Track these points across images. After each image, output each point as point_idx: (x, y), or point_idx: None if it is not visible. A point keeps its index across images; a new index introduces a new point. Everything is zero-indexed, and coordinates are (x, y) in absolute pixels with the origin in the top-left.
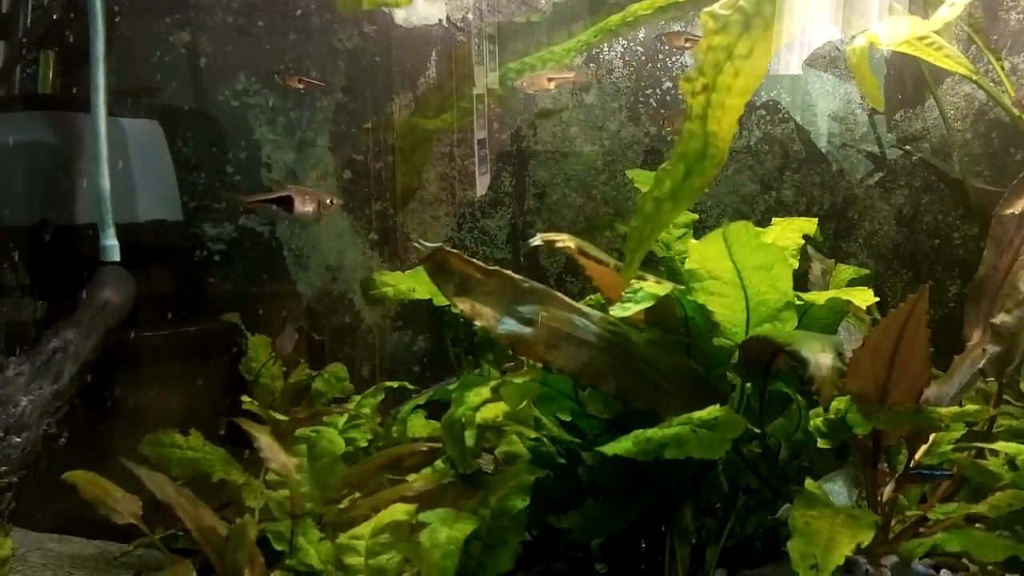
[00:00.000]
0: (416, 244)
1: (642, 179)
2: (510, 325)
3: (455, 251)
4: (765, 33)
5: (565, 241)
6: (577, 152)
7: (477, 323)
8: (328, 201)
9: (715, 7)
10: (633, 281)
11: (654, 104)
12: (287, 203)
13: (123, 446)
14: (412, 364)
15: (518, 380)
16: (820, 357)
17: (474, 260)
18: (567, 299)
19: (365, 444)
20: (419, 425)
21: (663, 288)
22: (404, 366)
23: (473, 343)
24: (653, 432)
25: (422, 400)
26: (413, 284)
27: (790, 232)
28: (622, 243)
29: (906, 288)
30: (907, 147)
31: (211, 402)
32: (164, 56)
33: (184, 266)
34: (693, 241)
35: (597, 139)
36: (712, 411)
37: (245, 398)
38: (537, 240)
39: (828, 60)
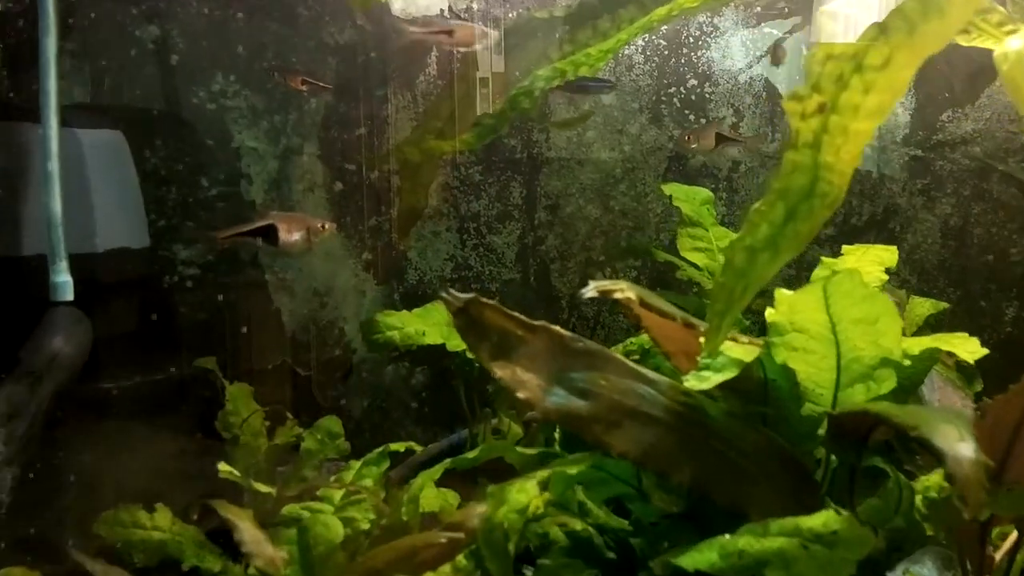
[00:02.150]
0: (445, 296)
1: (681, 195)
2: (561, 397)
3: (492, 303)
4: (909, 38)
5: (624, 291)
6: (594, 159)
7: (519, 395)
8: (319, 226)
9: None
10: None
11: (678, 104)
12: (270, 234)
13: (75, 523)
14: (410, 400)
15: (572, 470)
16: (960, 448)
17: (515, 314)
18: (628, 362)
19: (367, 526)
20: (430, 497)
21: (749, 351)
22: (401, 403)
23: (490, 392)
24: (746, 543)
25: (437, 474)
26: (422, 326)
27: (868, 263)
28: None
29: (955, 309)
30: (988, 160)
31: (182, 468)
32: (129, 53)
33: (151, 301)
34: (783, 291)
35: (616, 144)
36: (829, 520)
37: (222, 465)
38: (591, 291)
39: None
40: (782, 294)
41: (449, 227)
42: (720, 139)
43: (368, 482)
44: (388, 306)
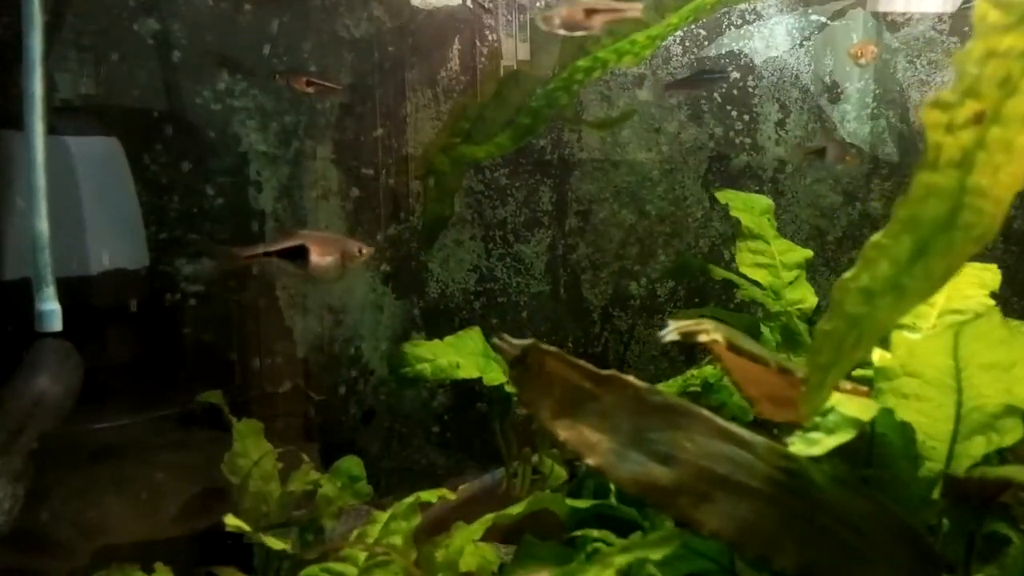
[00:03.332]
0: (498, 342)
1: (739, 204)
2: (638, 464)
3: (554, 350)
4: None
5: (710, 333)
6: (629, 160)
7: (589, 461)
8: (356, 250)
9: None
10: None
11: (719, 100)
12: (300, 255)
13: None
14: (431, 424)
15: (655, 555)
16: None
17: (581, 363)
18: (716, 418)
19: None
20: (469, 555)
21: (864, 406)
22: (422, 427)
23: (531, 429)
24: None
25: (478, 533)
26: (456, 357)
27: (968, 285)
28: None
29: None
30: None
31: (185, 518)
32: (126, 50)
33: (150, 328)
34: (905, 335)
35: (653, 144)
36: None
37: (229, 518)
38: (671, 334)
39: (923, 41)
40: (901, 337)
41: (473, 235)
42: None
43: (397, 540)
44: (407, 322)
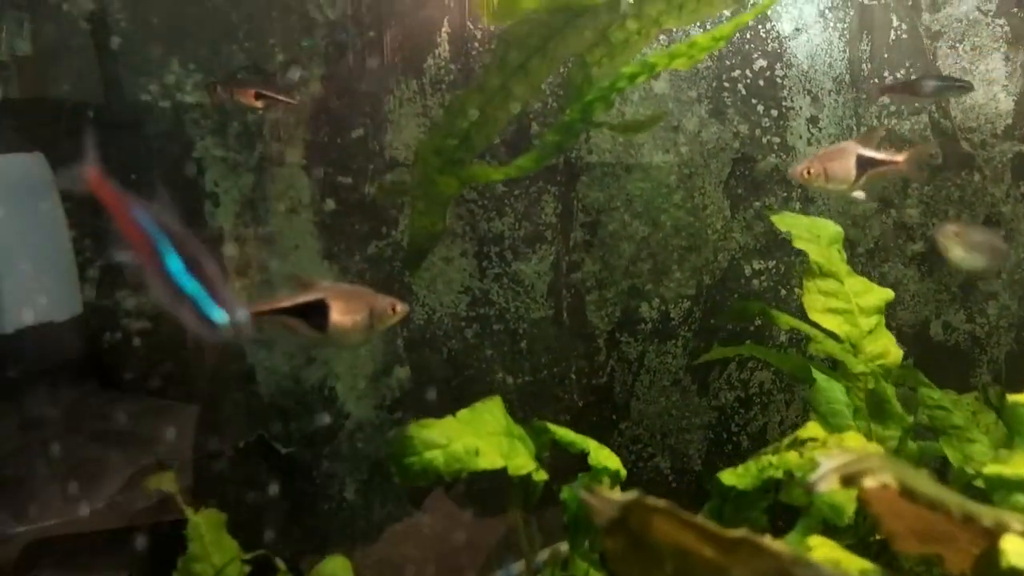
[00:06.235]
0: (588, 498)
1: (802, 231)
2: None
3: (662, 506)
4: None
5: (875, 473)
6: (644, 164)
7: None
8: (389, 309)
9: None
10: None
11: (743, 92)
12: (318, 314)
13: None
14: None
15: None
16: None
17: (698, 521)
18: None
19: None
20: None
21: None
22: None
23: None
24: None
25: None
26: (474, 440)
27: None
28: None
29: None
30: None
31: None
32: (54, 35)
33: (85, 392)
34: None
35: (670, 145)
36: None
37: None
38: (828, 481)
39: (966, 24)
40: None
41: (464, 251)
42: (864, 165)
43: None
44: (389, 355)
